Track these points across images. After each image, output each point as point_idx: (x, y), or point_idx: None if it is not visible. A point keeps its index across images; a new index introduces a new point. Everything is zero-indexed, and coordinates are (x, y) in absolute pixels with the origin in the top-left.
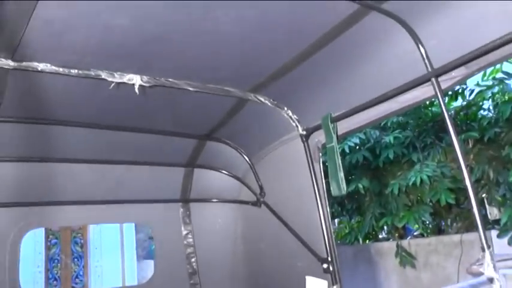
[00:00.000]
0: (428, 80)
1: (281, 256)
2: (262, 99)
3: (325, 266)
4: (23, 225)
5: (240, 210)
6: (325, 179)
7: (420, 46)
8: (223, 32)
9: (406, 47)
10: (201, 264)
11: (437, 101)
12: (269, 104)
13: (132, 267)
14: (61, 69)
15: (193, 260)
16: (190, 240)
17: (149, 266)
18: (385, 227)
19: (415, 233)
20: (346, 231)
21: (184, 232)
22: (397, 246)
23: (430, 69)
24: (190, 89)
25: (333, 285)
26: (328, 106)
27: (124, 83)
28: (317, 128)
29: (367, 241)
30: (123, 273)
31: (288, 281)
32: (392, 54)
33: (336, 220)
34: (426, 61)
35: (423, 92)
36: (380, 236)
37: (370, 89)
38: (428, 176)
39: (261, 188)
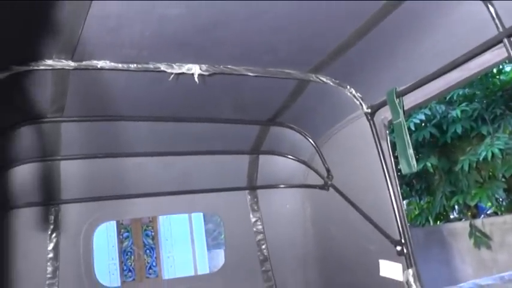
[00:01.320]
0: (500, 41)
1: (352, 239)
2: (324, 79)
3: (398, 248)
4: (94, 219)
5: (307, 194)
6: (393, 157)
7: (489, 5)
8: (280, 13)
9: (473, 9)
10: (272, 250)
11: (507, 68)
12: (331, 83)
13: (203, 257)
14: (120, 65)
15: (263, 246)
16: (260, 227)
17: (220, 256)
18: (457, 207)
19: (488, 212)
20: (416, 212)
21: (253, 219)
22: (471, 226)
23: (501, 29)
24: (250, 74)
25: (408, 268)
26: (392, 81)
27: (183, 73)
28: (382, 104)
29: (438, 222)
30: (195, 263)
31: (360, 264)
32: (457, 18)
33: (405, 202)
34: (496, 21)
35: (494, 55)
36: (451, 216)
37: (436, 58)
38: (500, 150)
39: (328, 170)
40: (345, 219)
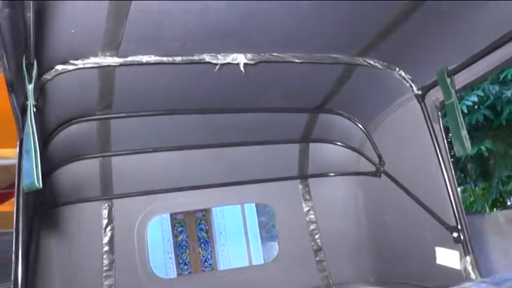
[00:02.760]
0: None
1: (406, 226)
2: (372, 62)
3: (455, 235)
4: (147, 212)
5: (359, 182)
6: (446, 140)
7: None
8: None
9: None
10: (325, 240)
11: None
12: (379, 66)
13: (257, 250)
14: (165, 59)
15: (317, 236)
16: (312, 216)
17: (274, 248)
18: None
19: None
20: (471, 199)
21: (306, 209)
22: None
23: None
24: (296, 61)
25: (465, 255)
26: (443, 59)
27: (228, 63)
28: (433, 85)
29: (495, 209)
30: (249, 256)
31: (415, 252)
32: None
33: (460, 188)
34: None
35: None
36: (508, 203)
37: (488, 32)
38: None
39: (379, 157)
40: (398, 206)
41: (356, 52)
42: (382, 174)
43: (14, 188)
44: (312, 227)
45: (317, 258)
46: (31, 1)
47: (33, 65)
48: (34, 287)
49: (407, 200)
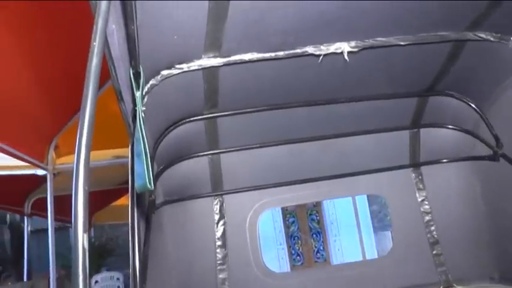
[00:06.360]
0: None
1: None
2: (483, 35)
3: None
4: (257, 207)
5: (476, 168)
6: None
7: None
8: None
9: None
10: (442, 232)
11: None
12: (491, 39)
13: (370, 239)
14: (268, 55)
15: (432, 228)
16: (427, 207)
17: (387, 237)
18: None
19: None
20: None
21: (420, 199)
22: None
23: None
24: (402, 43)
25: None
26: None
27: (332, 53)
28: None
29: None
30: (362, 245)
31: None
32: None
33: None
34: None
35: None
36: None
37: None
38: None
39: (496, 138)
40: None
41: (465, 26)
42: (501, 158)
43: None
44: (427, 218)
45: (434, 252)
46: (134, 15)
47: (139, 73)
48: (151, 278)
49: None
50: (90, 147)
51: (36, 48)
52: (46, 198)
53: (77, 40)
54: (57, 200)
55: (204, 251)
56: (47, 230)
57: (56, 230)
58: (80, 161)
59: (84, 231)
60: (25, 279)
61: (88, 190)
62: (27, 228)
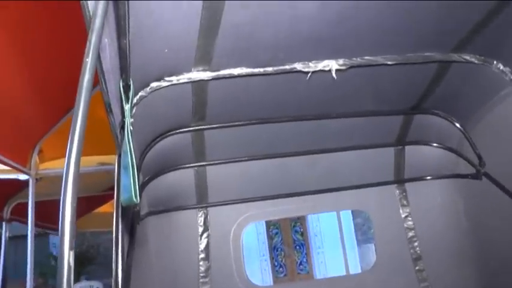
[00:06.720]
0: None
1: None
2: (468, 58)
3: None
4: (241, 220)
5: (459, 186)
6: None
7: None
8: None
9: None
10: (425, 248)
11: None
12: (475, 61)
13: (353, 252)
14: (256, 70)
15: (416, 244)
16: (411, 223)
17: (370, 250)
18: None
19: None
20: None
21: (403, 215)
22: None
23: None
24: (389, 62)
25: None
26: None
27: (320, 70)
28: None
29: None
30: (345, 258)
31: None
32: None
33: None
34: None
35: None
36: None
37: None
38: None
39: (479, 157)
40: (502, 210)
41: (450, 48)
42: (483, 177)
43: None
44: (411, 234)
45: (417, 268)
46: (127, 29)
47: (129, 86)
48: None
49: None
50: (78, 175)
51: (23, 52)
52: (27, 203)
53: (66, 43)
54: (38, 205)
55: (188, 263)
56: (24, 236)
57: (35, 236)
58: (67, 193)
59: (71, 249)
60: (0, 286)
61: (75, 207)
62: (5, 234)
